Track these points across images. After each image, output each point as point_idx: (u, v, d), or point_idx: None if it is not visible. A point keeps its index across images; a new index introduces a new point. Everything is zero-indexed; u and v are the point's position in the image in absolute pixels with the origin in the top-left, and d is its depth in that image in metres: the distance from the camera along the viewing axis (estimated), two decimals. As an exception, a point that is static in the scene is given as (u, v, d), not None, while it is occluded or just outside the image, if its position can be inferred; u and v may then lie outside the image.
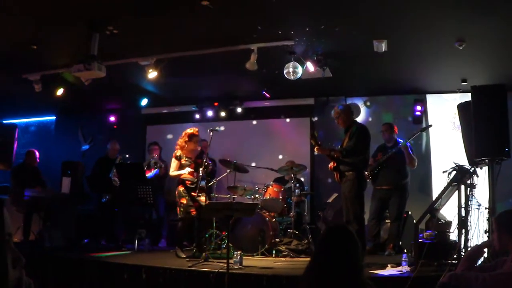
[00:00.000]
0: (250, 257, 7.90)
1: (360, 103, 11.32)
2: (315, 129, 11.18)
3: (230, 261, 6.21)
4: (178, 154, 8.37)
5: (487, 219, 6.30)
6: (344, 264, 2.92)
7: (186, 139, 8.40)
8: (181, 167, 8.33)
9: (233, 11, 7.03)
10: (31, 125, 14.21)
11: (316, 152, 8.41)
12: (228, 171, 9.42)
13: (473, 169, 6.44)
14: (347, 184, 7.65)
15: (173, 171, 8.40)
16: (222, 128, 10.13)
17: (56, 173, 10.69)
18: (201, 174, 7.99)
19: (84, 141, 12.92)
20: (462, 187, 6.32)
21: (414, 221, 7.40)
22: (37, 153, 10.88)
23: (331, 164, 7.90)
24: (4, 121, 12.30)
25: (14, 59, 8.87)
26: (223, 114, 12.02)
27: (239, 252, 7.05)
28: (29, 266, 2.38)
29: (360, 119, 10.71)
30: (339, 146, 8.10)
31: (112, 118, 12.72)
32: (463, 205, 6.29)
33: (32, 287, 2.41)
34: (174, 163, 8.40)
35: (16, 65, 9.15)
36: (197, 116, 12.33)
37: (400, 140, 9.07)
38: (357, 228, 7.14)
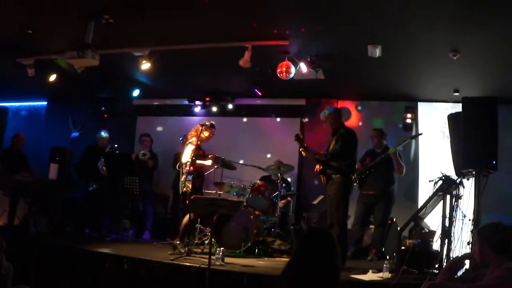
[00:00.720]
0: (232, 254, 7.88)
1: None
2: (304, 130, 11.21)
3: (212, 257, 6.19)
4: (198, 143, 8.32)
5: (471, 231, 6.34)
6: (320, 265, 3.06)
7: (204, 128, 8.36)
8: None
9: (229, 8, 7.03)
10: (21, 109, 14.08)
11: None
12: (215, 166, 9.37)
13: (459, 180, 6.48)
14: (333, 187, 7.60)
15: (188, 158, 8.26)
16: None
17: (45, 158, 10.64)
18: (188, 168, 8.00)
19: (74, 128, 12.85)
20: (448, 197, 6.37)
21: (398, 228, 7.44)
22: (23, 137, 10.79)
23: (317, 167, 7.83)
24: (-5, 105, 12.24)
25: (9, 43, 8.80)
26: (214, 109, 11.98)
27: (222, 248, 7.05)
28: (12, 251, 2.39)
29: (350, 123, 10.71)
30: (326, 149, 8.06)
31: (103, 107, 12.63)
32: (447, 215, 6.34)
33: (11, 271, 2.42)
34: (191, 150, 8.27)
35: (10, 49, 9.06)
36: (188, 110, 12.31)
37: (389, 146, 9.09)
38: (339, 232, 7.08)
